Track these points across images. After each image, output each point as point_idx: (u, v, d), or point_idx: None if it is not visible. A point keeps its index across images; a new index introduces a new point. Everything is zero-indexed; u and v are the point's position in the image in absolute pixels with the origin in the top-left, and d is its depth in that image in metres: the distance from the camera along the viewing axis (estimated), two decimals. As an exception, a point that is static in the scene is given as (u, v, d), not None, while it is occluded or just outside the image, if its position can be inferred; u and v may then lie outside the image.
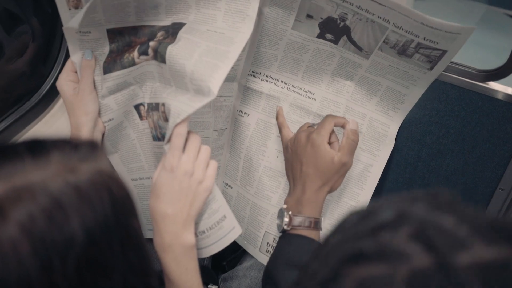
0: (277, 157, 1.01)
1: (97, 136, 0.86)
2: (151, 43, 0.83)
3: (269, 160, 1.01)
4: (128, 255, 0.47)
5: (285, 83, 0.97)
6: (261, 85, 0.98)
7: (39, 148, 0.44)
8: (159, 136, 0.86)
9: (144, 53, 0.83)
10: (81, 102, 0.82)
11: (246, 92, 1.00)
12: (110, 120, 0.88)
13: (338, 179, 0.85)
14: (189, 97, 0.76)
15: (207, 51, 0.77)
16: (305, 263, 0.40)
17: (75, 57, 0.82)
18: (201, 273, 0.76)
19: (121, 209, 0.47)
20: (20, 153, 0.43)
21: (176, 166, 0.72)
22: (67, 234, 0.41)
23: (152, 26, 0.84)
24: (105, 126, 0.88)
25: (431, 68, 0.88)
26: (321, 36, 0.90)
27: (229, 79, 0.97)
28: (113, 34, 0.83)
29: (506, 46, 1.26)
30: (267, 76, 0.98)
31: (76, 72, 0.84)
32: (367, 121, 0.97)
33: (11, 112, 0.90)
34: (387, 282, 0.33)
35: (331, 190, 0.86)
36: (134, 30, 0.84)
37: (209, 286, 1.02)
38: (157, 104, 0.84)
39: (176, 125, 0.73)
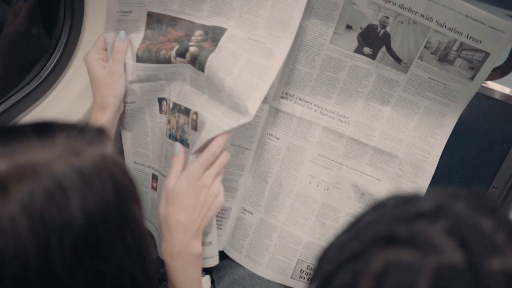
0: (310, 183, 0.97)
1: (117, 117, 0.87)
2: (191, 49, 0.82)
3: (301, 186, 0.98)
4: (126, 240, 0.47)
5: (318, 106, 0.94)
6: (293, 108, 0.95)
7: (46, 129, 0.45)
8: (178, 138, 0.86)
9: (182, 55, 0.82)
10: (111, 84, 0.82)
11: (277, 114, 0.96)
12: (131, 102, 0.89)
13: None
14: (223, 112, 0.78)
15: (247, 65, 0.78)
16: (336, 234, 0.41)
17: (109, 36, 0.83)
18: None
19: (122, 195, 0.47)
20: (26, 133, 0.44)
21: (199, 179, 0.74)
22: (66, 216, 0.42)
23: (192, 22, 0.83)
24: (125, 107, 0.88)
25: (473, 78, 0.87)
26: (359, 50, 0.89)
27: None
28: (152, 19, 0.83)
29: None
30: (300, 99, 0.94)
31: (105, 50, 0.84)
32: (405, 146, 0.94)
33: (14, 91, 0.89)
34: (413, 270, 0.33)
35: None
36: (173, 21, 0.84)
37: (201, 275, 1.03)
38: (188, 110, 0.84)
39: (212, 143, 0.75)
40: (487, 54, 0.83)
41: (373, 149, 0.94)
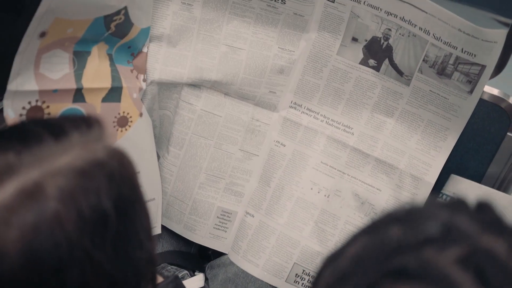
0: (311, 189, 1.00)
1: None
2: None
3: (303, 191, 1.00)
4: (143, 222, 0.49)
5: (324, 116, 0.97)
6: (300, 117, 0.99)
7: (59, 129, 0.45)
8: None
9: None
10: None
11: (285, 123, 1.00)
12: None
13: None
14: None
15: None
16: (336, 264, 0.38)
17: None
18: (188, 260, 0.78)
19: (135, 183, 0.49)
20: (41, 135, 0.44)
21: None
22: (101, 211, 0.43)
23: None
24: None
25: (471, 91, 0.90)
26: (364, 62, 0.92)
27: (270, 106, 0.99)
28: None
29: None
30: (307, 109, 0.98)
31: None
32: (407, 158, 0.96)
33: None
34: None
35: None
36: None
37: (195, 273, 1.03)
38: None
39: None
40: (483, 67, 0.86)
41: (375, 159, 0.96)
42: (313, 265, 1.00)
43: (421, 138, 0.95)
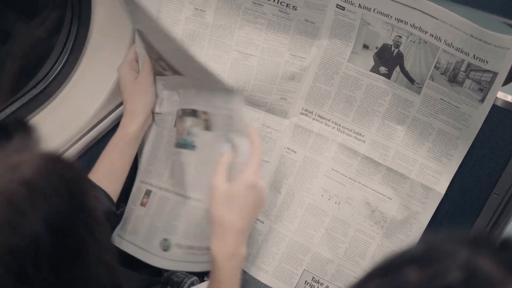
0: (322, 195, 1.00)
1: (146, 127, 0.92)
2: None
3: (314, 198, 1.00)
4: (95, 233, 0.44)
5: (335, 123, 0.97)
6: (312, 124, 0.99)
7: None
8: (183, 143, 0.87)
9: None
10: (142, 94, 0.89)
11: (295, 130, 1.00)
12: (158, 113, 0.93)
13: None
14: (223, 100, 0.79)
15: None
16: None
17: (139, 47, 0.88)
18: None
19: (77, 191, 0.43)
20: None
21: (256, 183, 0.75)
22: (31, 236, 0.38)
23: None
24: (154, 117, 0.93)
25: (483, 100, 0.89)
26: (375, 69, 0.92)
27: (281, 113, 0.99)
28: None
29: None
30: (318, 116, 0.98)
31: (137, 61, 0.90)
32: (418, 167, 0.96)
33: (22, 93, 0.90)
34: None
35: None
36: None
37: (204, 278, 1.03)
38: (194, 111, 0.85)
39: (254, 145, 0.77)
40: (495, 74, 0.85)
41: (386, 168, 0.96)
42: (323, 272, 0.99)
43: (433, 146, 0.94)
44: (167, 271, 0.93)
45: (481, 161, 1.11)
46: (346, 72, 0.93)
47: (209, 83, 0.80)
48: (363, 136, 0.96)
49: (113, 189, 0.88)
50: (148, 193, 0.93)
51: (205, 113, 0.83)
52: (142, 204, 0.93)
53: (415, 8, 0.84)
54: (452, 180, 1.15)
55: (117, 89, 0.93)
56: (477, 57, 0.84)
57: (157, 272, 0.94)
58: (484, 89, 0.88)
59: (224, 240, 0.75)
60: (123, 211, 0.95)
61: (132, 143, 0.90)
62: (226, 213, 0.74)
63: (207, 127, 0.83)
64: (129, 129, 0.88)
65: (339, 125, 0.97)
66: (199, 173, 0.84)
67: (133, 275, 0.91)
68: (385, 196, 0.97)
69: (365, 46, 0.91)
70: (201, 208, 0.83)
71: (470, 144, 0.94)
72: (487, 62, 0.84)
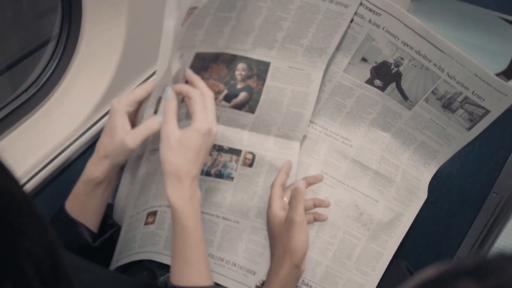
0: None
1: (116, 170, 0.82)
2: (242, 95, 0.87)
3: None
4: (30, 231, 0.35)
5: (322, 127, 0.97)
6: None
7: None
8: (212, 173, 0.91)
9: (229, 100, 0.87)
10: (126, 142, 0.76)
11: None
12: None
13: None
14: (274, 144, 0.90)
15: (292, 98, 0.88)
16: None
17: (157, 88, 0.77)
18: None
19: (10, 206, 0.34)
20: None
21: (211, 129, 0.76)
22: None
23: (234, 56, 0.85)
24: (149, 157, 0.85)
25: (470, 129, 0.91)
26: (370, 82, 0.91)
27: None
28: (197, 60, 0.82)
29: (504, 51, 1.27)
30: None
31: (139, 103, 0.78)
32: (401, 173, 0.98)
33: (11, 99, 0.88)
34: None
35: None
36: (215, 55, 0.84)
37: None
38: (234, 149, 0.90)
39: (200, 86, 0.78)
40: (487, 111, 0.88)
41: (374, 172, 0.97)
42: (312, 275, 0.98)
43: (413, 155, 0.97)
44: (163, 275, 0.92)
45: (480, 160, 1.10)
46: (340, 81, 0.92)
47: (265, 128, 0.89)
48: (350, 140, 0.97)
49: (91, 223, 0.84)
50: (152, 213, 0.91)
51: (251, 153, 0.89)
52: (148, 223, 0.91)
53: (423, 37, 0.83)
54: (452, 180, 1.15)
55: (108, 96, 0.91)
56: (475, 94, 0.86)
57: (153, 276, 0.93)
58: (474, 120, 0.90)
59: (181, 187, 0.75)
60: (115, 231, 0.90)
61: (102, 186, 0.81)
62: (181, 161, 0.75)
63: (248, 164, 0.89)
64: (93, 174, 0.79)
65: (326, 129, 0.97)
66: (236, 199, 0.92)
67: (128, 279, 0.90)
68: (372, 198, 0.98)
69: (364, 59, 0.89)
70: (240, 228, 0.93)
71: (448, 158, 0.97)
72: (483, 100, 0.86)
